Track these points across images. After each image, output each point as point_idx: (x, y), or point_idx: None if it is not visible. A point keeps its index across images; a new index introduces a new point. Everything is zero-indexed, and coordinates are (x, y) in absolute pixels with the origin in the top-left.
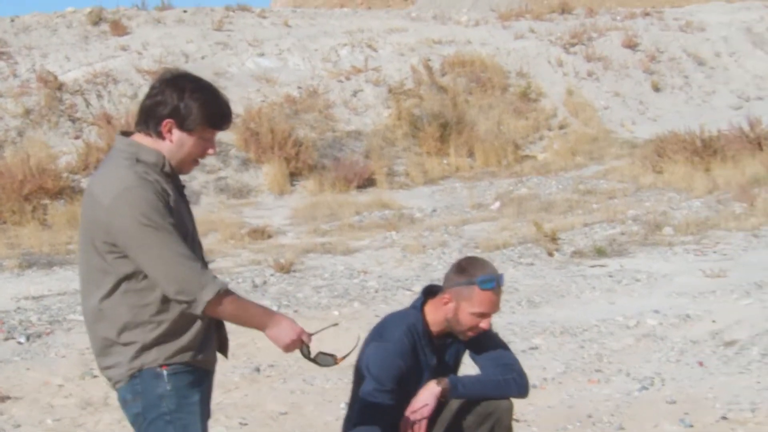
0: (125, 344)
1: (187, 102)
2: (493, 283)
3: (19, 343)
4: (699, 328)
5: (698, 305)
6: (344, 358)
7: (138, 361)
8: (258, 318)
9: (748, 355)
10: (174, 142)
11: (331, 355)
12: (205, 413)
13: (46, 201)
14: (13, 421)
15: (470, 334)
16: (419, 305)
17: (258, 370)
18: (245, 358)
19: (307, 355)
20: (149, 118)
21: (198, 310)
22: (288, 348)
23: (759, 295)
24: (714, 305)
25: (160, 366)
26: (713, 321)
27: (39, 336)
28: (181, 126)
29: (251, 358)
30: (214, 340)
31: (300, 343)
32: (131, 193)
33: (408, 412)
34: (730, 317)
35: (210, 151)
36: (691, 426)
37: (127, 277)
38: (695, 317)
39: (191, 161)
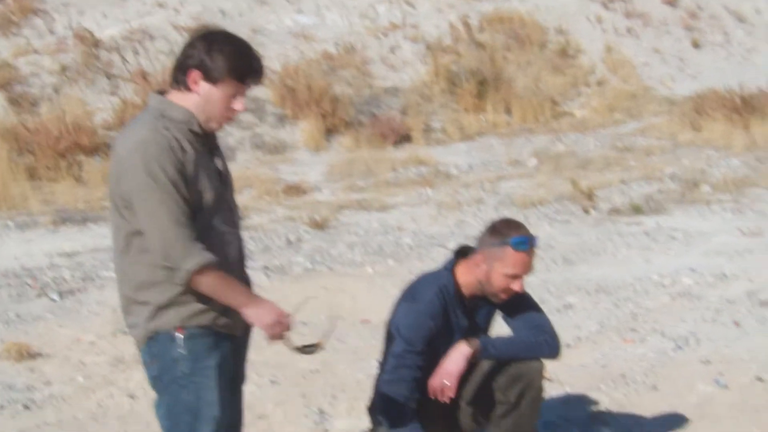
0: (142, 303)
1: (214, 53)
2: (527, 245)
3: (52, 300)
4: (735, 288)
5: (735, 264)
6: (326, 340)
7: (153, 323)
8: (240, 296)
9: None
10: (201, 95)
11: (313, 345)
12: (231, 377)
13: (82, 157)
14: (44, 379)
15: (503, 296)
16: (451, 266)
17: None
18: None
19: (291, 347)
20: (178, 71)
21: (180, 279)
22: (269, 330)
23: None
24: (751, 264)
25: (176, 329)
26: (750, 280)
27: (72, 293)
28: (207, 77)
29: None
30: None
31: (281, 329)
32: (144, 146)
33: (438, 373)
34: (767, 277)
35: (238, 106)
36: (726, 386)
37: (138, 233)
38: (731, 276)
39: (219, 117)
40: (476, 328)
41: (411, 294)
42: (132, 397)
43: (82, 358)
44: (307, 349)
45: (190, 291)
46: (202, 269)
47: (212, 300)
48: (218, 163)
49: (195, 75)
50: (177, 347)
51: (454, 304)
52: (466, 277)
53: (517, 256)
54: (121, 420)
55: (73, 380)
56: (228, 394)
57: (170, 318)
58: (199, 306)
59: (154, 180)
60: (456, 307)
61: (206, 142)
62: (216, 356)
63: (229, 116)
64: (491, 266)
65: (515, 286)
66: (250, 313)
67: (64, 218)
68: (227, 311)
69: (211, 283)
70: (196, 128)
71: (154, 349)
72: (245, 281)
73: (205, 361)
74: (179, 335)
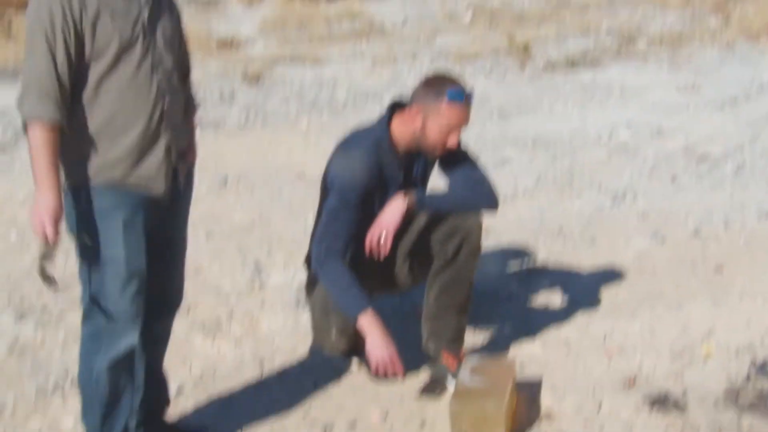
0: (60, 153)
1: None
2: (463, 97)
3: None
4: (672, 143)
5: (671, 120)
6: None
7: (64, 177)
8: (40, 175)
9: (721, 170)
10: None
11: (53, 281)
12: (163, 241)
13: (11, 13)
14: None
15: (438, 150)
16: (385, 120)
17: (225, 181)
18: (213, 169)
19: (44, 258)
20: None
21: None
22: (33, 226)
23: (732, 111)
24: (687, 120)
25: (82, 184)
26: (686, 136)
27: (3, 149)
28: None
29: (219, 169)
30: (164, 162)
31: (42, 230)
32: None
33: (375, 226)
34: (703, 132)
35: None
36: (663, 240)
37: None
38: (668, 132)
39: None
40: (412, 182)
41: (345, 148)
42: (66, 254)
43: (14, 215)
44: (48, 280)
45: (96, 143)
46: (32, 123)
47: (121, 155)
48: (143, 8)
49: None
50: (83, 202)
51: (388, 157)
52: (401, 130)
53: (452, 109)
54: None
55: (6, 237)
56: (137, 250)
57: (78, 173)
58: (105, 159)
59: (32, 29)
60: (391, 161)
61: None
62: (123, 213)
63: None
64: (426, 120)
65: (451, 140)
66: (36, 194)
67: None
68: (140, 167)
69: (30, 142)
70: None
71: (67, 204)
72: (178, 136)
73: (110, 217)
74: (85, 190)
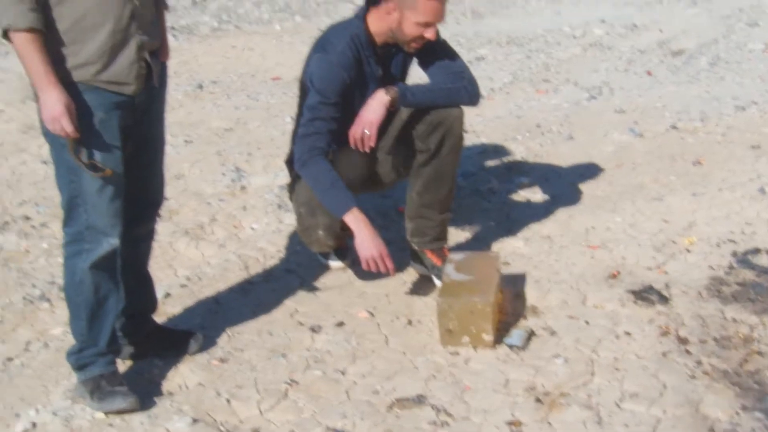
0: None
1: None
2: None
3: None
4: (646, 38)
5: (645, 15)
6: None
7: None
8: (37, 77)
9: (696, 64)
10: None
11: (100, 168)
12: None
13: None
14: None
15: (415, 45)
16: (362, 15)
17: (201, 87)
18: (188, 75)
19: (76, 153)
20: None
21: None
22: (48, 124)
23: (705, 5)
24: (660, 15)
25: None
26: (660, 30)
27: None
28: None
29: (194, 75)
30: (136, 61)
31: (58, 127)
32: None
33: (357, 122)
34: (677, 27)
35: None
36: (641, 135)
37: None
38: (642, 27)
39: None
40: (390, 77)
41: (322, 45)
42: (45, 163)
43: None
44: (92, 167)
45: (66, 43)
46: (14, 32)
47: (92, 55)
48: None
49: None
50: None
51: (366, 52)
52: (378, 25)
53: (428, 3)
54: (36, 186)
55: None
56: (113, 150)
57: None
58: (76, 60)
59: None
60: (369, 57)
61: None
62: (97, 113)
63: None
64: (402, 14)
65: (428, 34)
66: (39, 97)
67: None
68: (112, 67)
69: (18, 50)
70: None
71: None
72: (150, 35)
73: (84, 117)
74: None
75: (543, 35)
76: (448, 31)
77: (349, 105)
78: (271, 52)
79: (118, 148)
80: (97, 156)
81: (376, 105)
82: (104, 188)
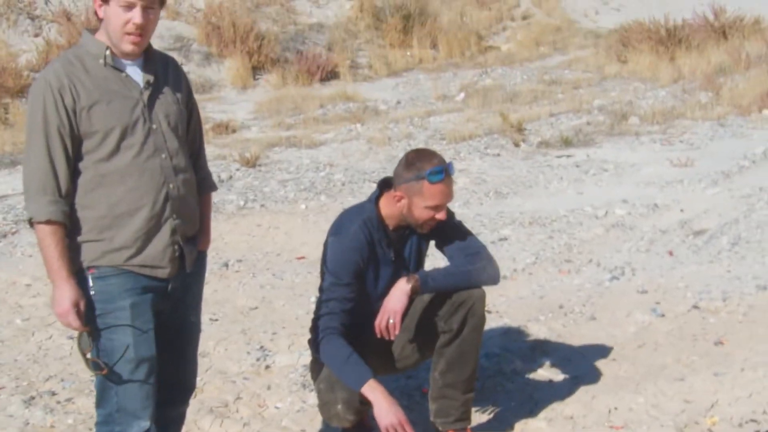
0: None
1: None
2: (442, 175)
3: None
4: (668, 218)
5: (666, 195)
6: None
7: (73, 262)
8: (51, 271)
9: (718, 244)
10: (104, 18)
11: (97, 364)
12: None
13: (7, 100)
14: None
15: (428, 227)
16: (374, 199)
17: (227, 265)
18: (214, 253)
19: (81, 347)
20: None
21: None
22: (58, 317)
23: (726, 184)
24: (682, 195)
25: (88, 268)
26: (681, 210)
27: (4, 236)
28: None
29: (220, 253)
30: (169, 245)
31: (67, 320)
32: (36, 83)
33: (382, 312)
34: (699, 206)
35: (135, 18)
36: (663, 315)
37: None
38: (663, 207)
39: (120, 33)
40: (403, 260)
41: (336, 229)
42: (72, 338)
43: (18, 301)
44: (95, 366)
45: (101, 228)
46: (38, 223)
47: (127, 240)
48: (143, 90)
49: (96, 1)
50: (89, 287)
51: (379, 235)
52: (389, 209)
53: (434, 188)
54: (61, 361)
55: (11, 323)
56: (146, 334)
57: (84, 256)
58: (111, 244)
59: (32, 124)
60: (381, 239)
61: (149, 68)
62: (130, 297)
63: (127, 31)
64: (411, 200)
65: (439, 216)
66: (53, 293)
67: None
68: (145, 251)
69: (39, 241)
70: (108, 60)
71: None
72: (185, 219)
73: (116, 302)
74: (89, 274)
75: (565, 215)
76: (471, 211)
77: (362, 285)
78: (296, 230)
79: (151, 332)
80: (129, 340)
81: (399, 294)
82: (135, 371)
